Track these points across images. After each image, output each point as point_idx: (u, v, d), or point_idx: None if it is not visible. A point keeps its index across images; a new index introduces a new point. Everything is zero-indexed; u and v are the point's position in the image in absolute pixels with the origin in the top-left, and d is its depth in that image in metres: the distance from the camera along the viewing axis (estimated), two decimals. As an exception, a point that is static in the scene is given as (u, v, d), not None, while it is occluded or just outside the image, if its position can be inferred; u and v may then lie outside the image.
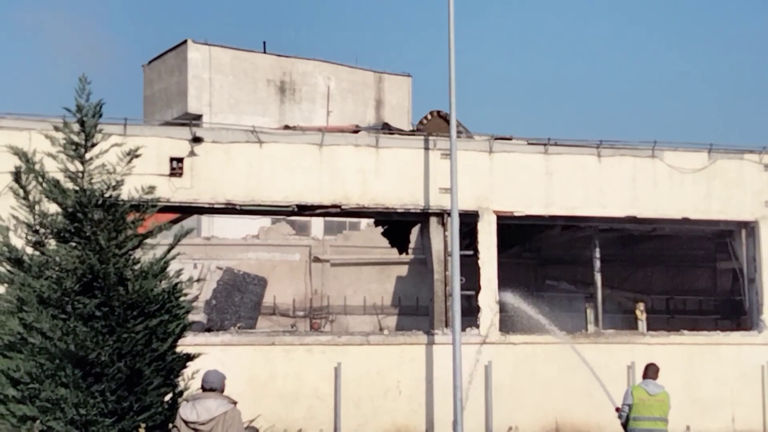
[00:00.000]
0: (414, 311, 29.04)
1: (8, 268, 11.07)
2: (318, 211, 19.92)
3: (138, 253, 11.30)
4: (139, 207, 11.36)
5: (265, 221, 32.81)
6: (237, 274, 28.68)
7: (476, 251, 20.12)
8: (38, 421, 10.23)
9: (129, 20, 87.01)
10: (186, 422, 9.61)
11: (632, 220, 21.37)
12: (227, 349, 18.34)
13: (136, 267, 11.13)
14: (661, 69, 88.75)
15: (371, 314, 30.18)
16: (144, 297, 10.89)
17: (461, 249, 19.07)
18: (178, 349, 11.44)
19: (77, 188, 10.95)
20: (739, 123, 79.74)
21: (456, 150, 19.06)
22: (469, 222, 20.19)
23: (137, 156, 11.29)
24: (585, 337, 20.62)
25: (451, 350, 18.51)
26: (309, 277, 30.65)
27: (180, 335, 11.40)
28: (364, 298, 30.33)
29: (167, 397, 11.19)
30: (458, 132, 21.08)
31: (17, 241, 11.16)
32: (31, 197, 11.09)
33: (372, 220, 26.28)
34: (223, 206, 19.29)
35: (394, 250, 25.95)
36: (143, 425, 10.56)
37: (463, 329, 19.05)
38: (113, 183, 11.04)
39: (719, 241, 24.25)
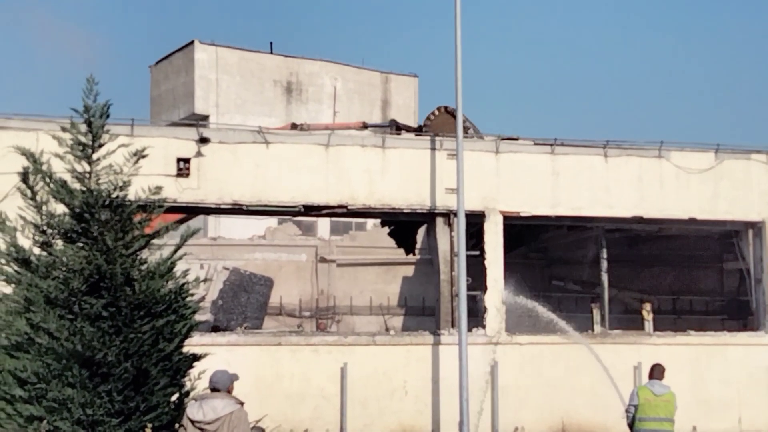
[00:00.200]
0: (420, 311, 29.04)
1: (15, 268, 11.10)
2: (324, 211, 19.93)
3: (145, 254, 11.32)
4: (146, 207, 11.38)
5: (272, 221, 32.83)
6: (243, 275, 28.67)
7: (482, 251, 20.12)
8: (45, 422, 10.25)
9: (136, 21, 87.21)
10: (192, 421, 9.64)
11: (639, 220, 21.34)
12: (234, 350, 18.37)
13: (143, 267, 11.14)
14: (668, 69, 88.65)
15: (377, 314, 30.17)
16: (151, 297, 10.91)
17: (468, 249, 19.06)
18: (185, 350, 11.45)
19: (84, 189, 10.98)
20: (746, 123, 79.60)
21: (462, 150, 19.05)
22: (475, 222, 20.19)
23: (144, 156, 11.31)
24: (591, 337, 20.60)
25: (457, 350, 18.51)
26: (315, 277, 30.66)
27: (186, 335, 11.41)
28: (370, 298, 30.32)
29: (174, 398, 11.19)
30: (468, 130, 21.11)
31: (24, 242, 11.18)
32: (38, 198, 11.11)
33: (378, 221, 26.28)
34: (229, 207, 19.31)
35: (401, 251, 25.94)
36: (150, 425, 10.57)
37: (470, 329, 19.05)
38: (120, 183, 11.06)
39: (726, 241, 24.22)
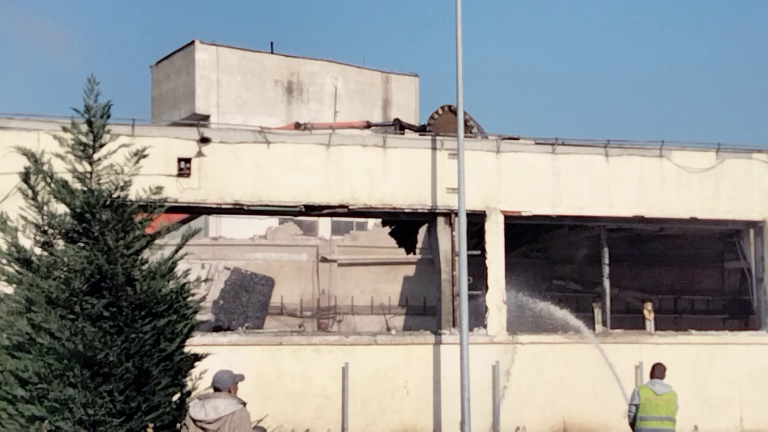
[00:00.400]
0: (421, 311, 29.05)
1: (17, 268, 11.11)
2: (325, 211, 19.93)
3: (146, 254, 11.32)
4: (147, 207, 11.39)
5: (273, 221, 32.85)
6: (244, 274, 28.69)
7: (484, 251, 20.12)
8: (47, 422, 10.26)
9: (137, 21, 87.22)
10: (194, 420, 9.64)
11: (640, 219, 21.34)
12: (235, 349, 18.37)
13: (144, 267, 11.15)
14: (669, 68, 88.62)
15: (378, 314, 30.18)
16: (152, 297, 10.91)
17: (469, 249, 19.07)
18: (186, 349, 11.46)
19: (85, 189, 10.98)
20: (748, 122, 79.59)
21: (463, 150, 19.04)
22: (476, 222, 20.19)
23: (145, 156, 11.32)
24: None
25: (458, 350, 18.51)
26: (316, 277, 30.67)
27: (188, 335, 11.42)
28: (371, 298, 30.33)
29: (175, 397, 11.20)
30: (472, 129, 21.10)
31: (26, 242, 11.19)
32: (39, 198, 11.12)
33: (379, 220, 26.29)
34: (230, 206, 19.31)
35: (402, 250, 25.94)
36: (151, 425, 10.58)
37: (471, 329, 19.04)
38: (121, 183, 11.06)
39: (727, 240, 24.23)
